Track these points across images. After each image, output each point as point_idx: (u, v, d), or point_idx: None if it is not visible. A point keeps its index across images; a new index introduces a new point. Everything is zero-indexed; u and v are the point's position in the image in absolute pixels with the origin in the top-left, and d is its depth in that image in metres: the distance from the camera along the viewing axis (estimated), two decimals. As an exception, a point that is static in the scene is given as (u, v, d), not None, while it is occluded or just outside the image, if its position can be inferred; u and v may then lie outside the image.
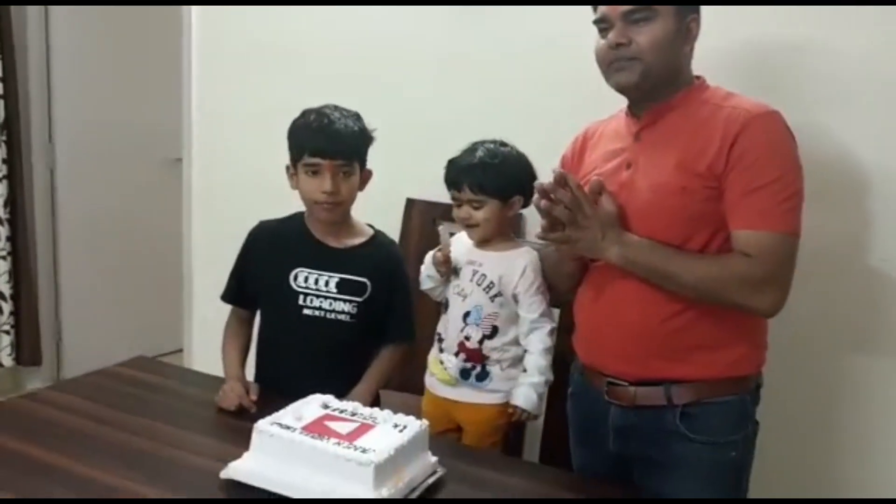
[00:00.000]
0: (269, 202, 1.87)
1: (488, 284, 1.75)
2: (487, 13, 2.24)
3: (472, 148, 1.79)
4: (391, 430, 1.40)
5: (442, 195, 1.85)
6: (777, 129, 1.47)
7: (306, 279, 1.76)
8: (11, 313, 3.27)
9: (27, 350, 3.34)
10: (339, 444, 1.33)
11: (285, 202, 1.84)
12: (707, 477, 1.55)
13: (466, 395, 1.78)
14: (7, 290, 3.24)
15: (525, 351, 1.77)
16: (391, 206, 2.30)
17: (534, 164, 1.80)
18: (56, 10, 3.33)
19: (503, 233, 1.79)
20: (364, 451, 1.31)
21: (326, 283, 1.75)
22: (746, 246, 1.45)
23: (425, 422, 1.45)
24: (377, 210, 1.93)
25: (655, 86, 1.53)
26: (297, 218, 1.85)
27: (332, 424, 1.41)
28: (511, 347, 1.77)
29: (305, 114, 1.77)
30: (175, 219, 2.96)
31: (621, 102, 1.64)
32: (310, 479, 1.30)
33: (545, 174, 1.55)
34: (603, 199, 1.50)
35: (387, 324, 1.81)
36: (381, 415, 1.46)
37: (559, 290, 1.78)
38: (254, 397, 1.67)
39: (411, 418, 1.46)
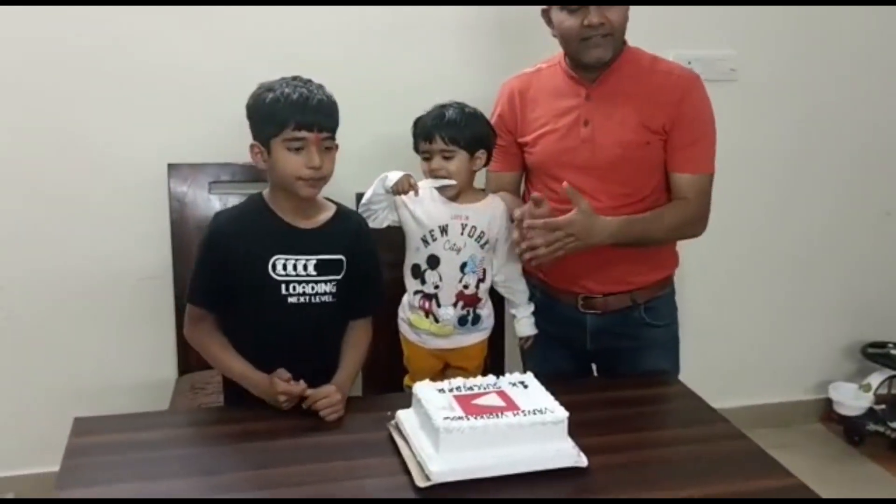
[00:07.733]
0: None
1: (479, 234, 1.86)
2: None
3: (441, 106, 1.87)
4: (521, 389, 1.54)
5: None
6: (705, 90, 1.87)
7: (285, 266, 1.68)
8: None
9: None
10: (515, 414, 1.43)
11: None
12: (665, 350, 2.01)
13: (461, 340, 1.91)
14: None
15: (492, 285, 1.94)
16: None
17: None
18: None
19: (472, 186, 1.91)
20: (541, 411, 1.44)
21: (305, 267, 1.69)
22: (688, 187, 1.86)
23: (529, 373, 1.61)
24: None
25: (615, 56, 1.80)
26: (257, 202, 1.74)
27: (481, 401, 1.49)
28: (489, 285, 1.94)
29: (273, 87, 1.64)
30: None
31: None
32: (514, 453, 1.39)
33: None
34: (580, 202, 1.72)
35: (361, 296, 1.79)
36: (489, 380, 1.57)
37: None
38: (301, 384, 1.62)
39: (517, 374, 1.60)
